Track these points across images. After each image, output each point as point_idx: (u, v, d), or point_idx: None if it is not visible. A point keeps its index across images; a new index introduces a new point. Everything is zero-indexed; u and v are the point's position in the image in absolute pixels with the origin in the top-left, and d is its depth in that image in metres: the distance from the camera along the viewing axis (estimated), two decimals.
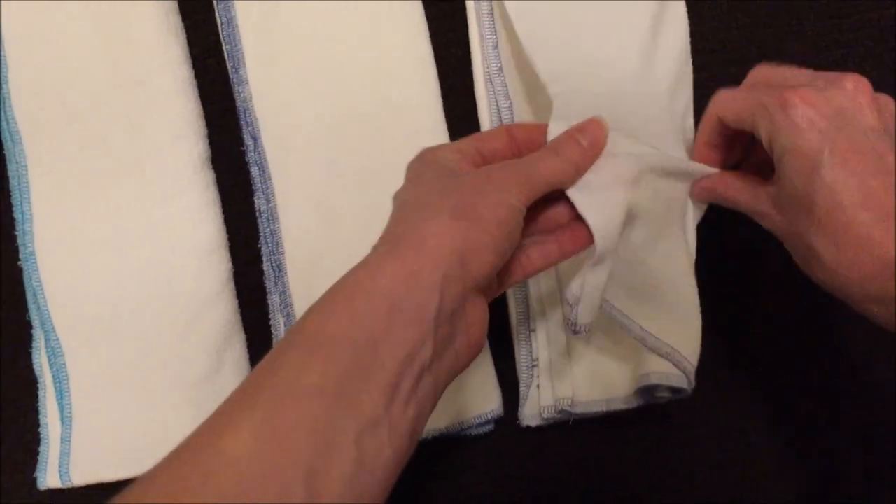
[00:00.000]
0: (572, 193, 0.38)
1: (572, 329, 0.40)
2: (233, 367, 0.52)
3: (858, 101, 0.37)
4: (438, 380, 0.34)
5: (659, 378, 0.46)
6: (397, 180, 0.51)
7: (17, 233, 0.52)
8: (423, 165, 0.40)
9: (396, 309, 0.31)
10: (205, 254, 0.52)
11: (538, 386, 0.50)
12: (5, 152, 0.52)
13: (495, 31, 0.51)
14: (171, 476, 0.28)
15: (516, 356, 0.51)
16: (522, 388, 0.50)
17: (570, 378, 0.49)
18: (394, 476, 0.31)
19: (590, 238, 0.39)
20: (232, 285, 0.53)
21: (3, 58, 0.51)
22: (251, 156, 0.52)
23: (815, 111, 0.37)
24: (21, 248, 0.51)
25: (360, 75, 0.53)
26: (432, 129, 0.53)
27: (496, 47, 0.51)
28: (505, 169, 0.37)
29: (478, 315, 0.36)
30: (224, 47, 0.53)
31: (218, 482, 0.27)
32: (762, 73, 0.43)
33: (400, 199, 0.39)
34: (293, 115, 0.52)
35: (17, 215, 0.52)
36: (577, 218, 0.39)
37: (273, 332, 0.52)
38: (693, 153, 0.45)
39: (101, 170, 0.51)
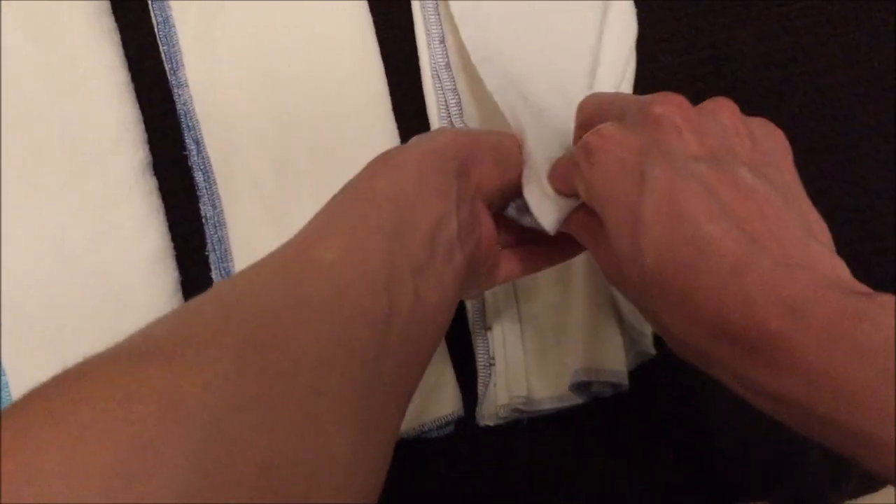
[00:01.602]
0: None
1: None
2: None
3: (674, 125, 0.30)
4: (467, 259, 0.35)
5: (589, 375, 0.46)
6: (346, 179, 0.51)
7: None
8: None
9: (425, 179, 0.34)
10: (151, 263, 0.50)
11: (495, 385, 0.49)
12: None
13: (441, 24, 0.50)
14: (268, 276, 0.29)
15: (476, 356, 0.50)
16: (480, 388, 0.50)
17: (525, 376, 0.49)
18: (441, 329, 0.34)
19: (576, 252, 0.42)
20: (180, 295, 0.51)
21: None
22: (194, 160, 0.51)
23: (620, 150, 0.30)
24: None
25: (305, 74, 0.51)
26: (381, 126, 0.51)
27: (442, 41, 0.50)
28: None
29: (487, 222, 0.38)
30: (161, 49, 0.51)
31: (314, 283, 0.28)
32: (584, 108, 0.37)
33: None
34: (236, 117, 0.51)
35: None
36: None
37: None
38: None
39: (40, 180, 0.50)
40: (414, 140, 0.38)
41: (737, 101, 0.32)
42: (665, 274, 0.28)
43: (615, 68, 0.47)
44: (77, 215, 0.50)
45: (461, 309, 0.51)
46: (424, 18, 0.50)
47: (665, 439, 0.52)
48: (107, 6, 0.51)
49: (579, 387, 0.47)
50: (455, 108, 0.49)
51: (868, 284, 0.27)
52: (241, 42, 0.51)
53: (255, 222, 0.51)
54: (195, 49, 0.51)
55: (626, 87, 0.50)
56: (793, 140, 0.32)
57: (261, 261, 0.30)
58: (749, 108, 0.33)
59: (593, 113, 0.36)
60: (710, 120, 0.31)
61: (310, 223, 0.32)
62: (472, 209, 0.37)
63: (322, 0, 0.51)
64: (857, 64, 0.54)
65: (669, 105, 0.30)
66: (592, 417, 0.51)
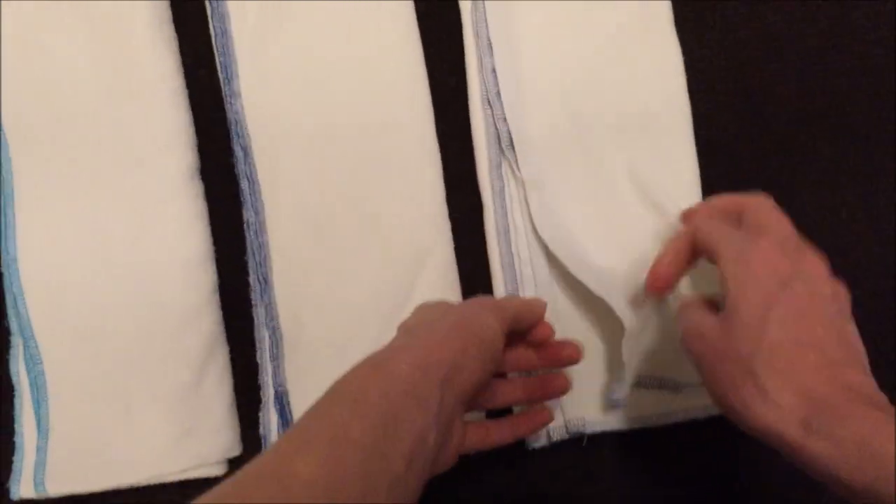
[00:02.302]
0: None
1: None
2: (215, 379, 0.51)
3: (818, 270, 0.40)
4: (435, 465, 0.39)
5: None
6: (386, 197, 0.52)
7: None
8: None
9: (411, 394, 0.36)
10: (191, 265, 0.51)
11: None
12: None
13: (492, 55, 0.52)
14: (245, 494, 0.31)
15: None
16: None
17: (580, 398, 0.50)
18: None
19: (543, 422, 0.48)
20: (217, 297, 0.52)
21: None
22: (241, 168, 0.52)
23: (779, 263, 0.39)
24: (3, 254, 0.51)
25: (353, 92, 0.53)
26: (423, 148, 0.53)
27: (494, 71, 0.52)
28: (482, 299, 0.45)
29: (460, 429, 0.41)
30: (217, 59, 0.52)
31: (288, 491, 0.30)
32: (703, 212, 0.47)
33: (407, 324, 0.43)
34: (284, 129, 0.52)
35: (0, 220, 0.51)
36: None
37: (258, 344, 0.52)
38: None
39: (89, 178, 0.51)
40: (404, 336, 0.41)
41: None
42: (781, 349, 0.36)
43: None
44: (123, 214, 0.51)
45: None
46: (478, 48, 0.52)
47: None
48: (168, 15, 0.53)
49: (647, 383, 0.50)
50: (506, 138, 0.51)
51: None
52: (295, 58, 0.53)
53: (294, 231, 0.52)
54: (250, 62, 0.52)
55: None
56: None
57: (241, 473, 0.32)
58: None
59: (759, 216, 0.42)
60: (839, 288, 0.40)
61: (293, 428, 0.34)
62: (451, 418, 0.39)
63: (374, 23, 0.53)
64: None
65: (821, 262, 0.40)
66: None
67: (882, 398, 0.36)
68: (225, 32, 0.52)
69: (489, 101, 0.52)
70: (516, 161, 0.51)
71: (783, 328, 0.37)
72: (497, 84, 0.52)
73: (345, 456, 0.32)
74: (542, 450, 0.51)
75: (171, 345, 0.50)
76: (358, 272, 0.51)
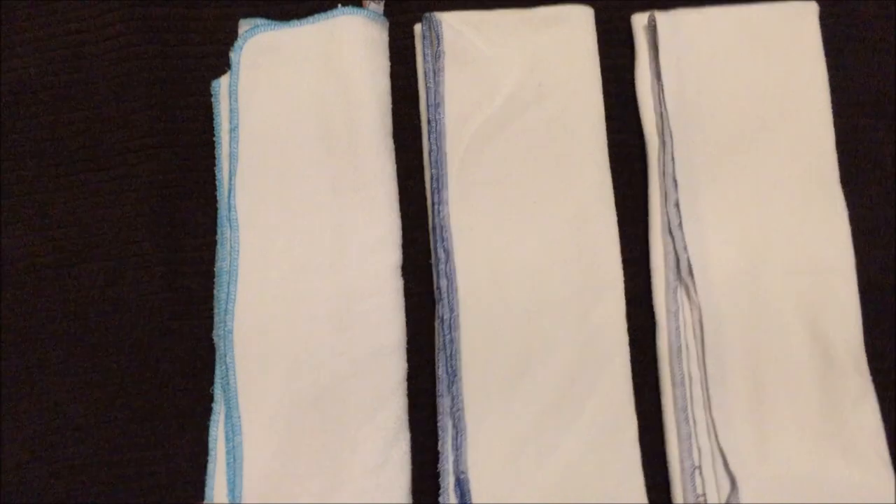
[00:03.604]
0: None
1: None
2: (396, 464, 0.54)
3: None
4: None
5: None
6: (574, 304, 0.57)
7: (219, 302, 0.56)
8: None
9: None
10: (387, 352, 0.56)
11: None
12: (218, 244, 0.57)
13: (677, 190, 0.58)
14: None
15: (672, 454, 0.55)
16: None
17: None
18: None
19: None
20: (405, 385, 0.56)
21: (237, 160, 0.58)
22: (442, 268, 0.57)
23: None
24: (220, 325, 0.55)
25: (551, 215, 0.59)
26: (611, 274, 0.58)
27: (677, 205, 0.58)
28: None
29: None
30: (430, 171, 0.59)
31: None
32: None
33: None
34: (489, 235, 0.58)
35: (220, 292, 0.56)
36: None
37: (440, 433, 0.55)
38: None
39: (304, 263, 0.57)
40: None
41: None
42: None
43: None
44: (334, 301, 0.56)
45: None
46: (662, 183, 0.59)
47: None
48: (391, 127, 0.60)
49: None
50: (685, 265, 0.57)
51: None
52: (500, 178, 0.60)
53: (480, 329, 0.57)
54: (457, 176, 0.59)
55: None
56: None
57: None
58: None
59: None
60: None
61: None
62: None
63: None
64: None
65: None
66: None
67: None
68: (440, 149, 0.59)
69: (671, 232, 0.58)
70: (695, 287, 0.56)
71: None
72: (679, 216, 0.57)
73: None
74: None
75: (363, 429, 0.54)
76: (547, 373, 0.55)
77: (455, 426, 0.55)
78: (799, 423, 0.54)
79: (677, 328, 0.57)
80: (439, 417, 0.55)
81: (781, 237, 0.58)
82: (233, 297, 0.56)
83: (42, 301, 0.58)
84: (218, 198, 0.58)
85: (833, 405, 0.55)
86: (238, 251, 0.56)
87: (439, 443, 0.55)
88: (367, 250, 0.57)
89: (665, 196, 0.59)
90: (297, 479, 0.53)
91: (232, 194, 0.57)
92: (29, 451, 0.55)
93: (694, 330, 0.57)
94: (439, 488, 0.54)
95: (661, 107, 0.60)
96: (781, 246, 0.58)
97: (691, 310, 0.57)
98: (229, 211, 0.57)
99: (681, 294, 0.58)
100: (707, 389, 0.56)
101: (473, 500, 0.53)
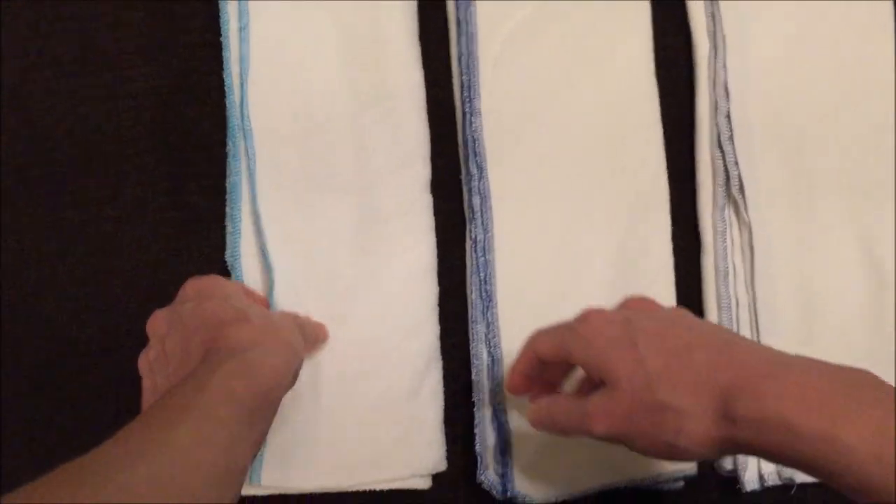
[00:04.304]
0: None
1: None
2: (430, 392, 0.51)
3: (648, 305, 0.42)
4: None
5: None
6: (614, 222, 0.53)
7: (233, 221, 0.51)
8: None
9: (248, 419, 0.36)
10: (419, 276, 0.52)
11: None
12: (229, 156, 0.51)
13: (729, 100, 0.54)
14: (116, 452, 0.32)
15: None
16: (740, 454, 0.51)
17: None
18: None
19: None
20: (437, 310, 0.52)
21: (248, 63, 0.51)
22: (475, 185, 0.53)
23: (609, 315, 0.40)
24: (232, 247, 0.50)
25: (587, 113, 0.54)
26: (653, 184, 0.54)
27: (728, 116, 0.53)
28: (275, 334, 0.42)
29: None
30: (461, 78, 0.54)
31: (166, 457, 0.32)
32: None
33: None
34: (521, 150, 0.53)
35: (234, 210, 0.51)
36: None
37: (474, 360, 0.51)
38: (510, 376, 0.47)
39: (326, 184, 0.52)
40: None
41: None
42: (668, 368, 0.37)
43: None
44: (356, 224, 0.51)
45: None
46: (713, 92, 0.54)
47: None
48: (416, 31, 0.55)
49: None
50: (736, 182, 0.53)
51: None
52: (535, 81, 0.54)
53: (521, 250, 0.53)
54: (494, 83, 0.54)
55: None
56: None
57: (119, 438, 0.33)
58: None
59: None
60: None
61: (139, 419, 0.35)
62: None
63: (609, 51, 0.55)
64: None
65: (643, 300, 0.43)
66: None
67: (775, 355, 0.37)
68: (471, 54, 0.53)
69: (720, 145, 0.53)
70: (746, 206, 0.53)
71: (657, 350, 0.37)
72: (731, 129, 0.53)
73: (211, 428, 0.34)
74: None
75: (397, 353, 0.50)
76: (586, 294, 0.52)
77: (490, 354, 0.51)
78: (850, 351, 0.52)
79: (724, 249, 0.53)
80: (472, 345, 0.52)
81: (835, 154, 0.55)
82: (263, 229, 0.50)
83: (36, 220, 0.52)
84: (227, 105, 0.52)
85: (885, 330, 0.53)
86: (256, 163, 0.51)
87: (473, 372, 0.52)
88: (394, 166, 0.52)
89: (715, 106, 0.54)
90: (337, 401, 0.50)
91: (244, 102, 0.51)
92: (28, 379, 0.51)
93: (742, 251, 0.54)
94: (473, 420, 0.51)
95: (712, 6, 0.55)
96: (835, 164, 0.55)
97: (740, 230, 0.54)
98: (242, 120, 0.51)
99: (729, 213, 0.54)
100: (755, 314, 0.53)
101: (513, 434, 0.50)
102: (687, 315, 0.40)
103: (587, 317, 0.40)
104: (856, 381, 0.34)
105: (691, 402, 0.36)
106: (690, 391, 0.36)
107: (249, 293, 0.48)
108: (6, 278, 0.52)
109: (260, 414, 0.37)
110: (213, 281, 0.45)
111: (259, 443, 0.38)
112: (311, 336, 0.48)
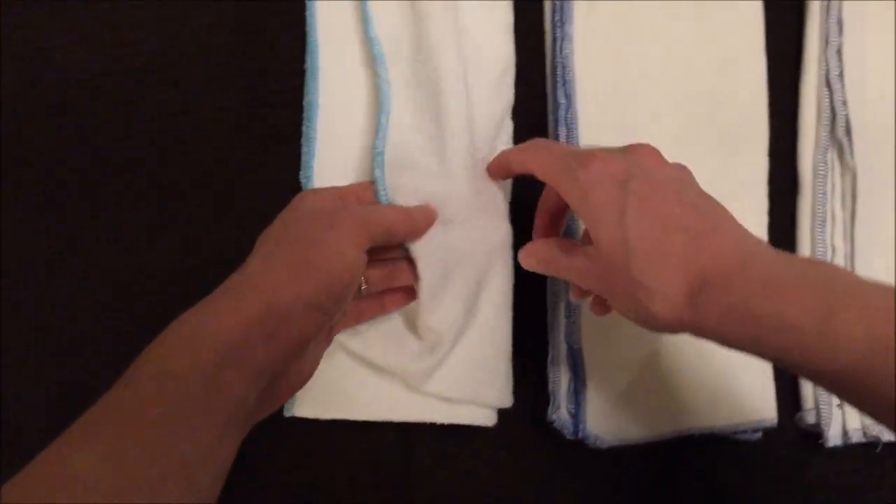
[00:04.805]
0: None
1: None
2: (504, 326, 0.49)
3: (654, 159, 0.40)
4: (253, 420, 0.38)
5: None
6: (709, 158, 0.50)
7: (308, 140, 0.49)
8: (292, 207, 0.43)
9: (228, 359, 0.34)
10: (498, 212, 0.49)
11: (839, 406, 0.48)
12: (307, 74, 0.49)
13: (840, 35, 0.50)
14: (19, 489, 0.29)
15: None
16: (824, 407, 0.49)
17: None
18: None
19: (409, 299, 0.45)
20: (512, 246, 0.50)
21: None
22: (561, 115, 0.50)
23: (611, 167, 0.38)
24: (307, 168, 0.49)
25: (685, 46, 0.52)
26: (755, 127, 0.51)
27: (839, 51, 0.50)
28: (348, 212, 0.41)
29: (303, 365, 0.40)
30: (554, 2, 0.50)
31: (64, 496, 0.29)
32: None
33: (260, 239, 0.41)
34: (610, 81, 0.51)
35: (309, 130, 0.49)
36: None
37: (549, 299, 0.50)
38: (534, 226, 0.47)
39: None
40: (249, 264, 0.39)
41: None
42: (647, 245, 0.36)
43: None
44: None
45: None
46: (824, 24, 0.50)
47: None
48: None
49: None
50: (842, 123, 0.49)
51: None
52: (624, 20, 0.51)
53: None
54: (586, 13, 0.50)
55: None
56: None
57: (22, 473, 0.30)
58: None
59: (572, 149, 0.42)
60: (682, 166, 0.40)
61: (79, 421, 0.32)
62: (282, 367, 0.37)
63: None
64: None
65: (651, 148, 0.40)
66: None
67: (750, 244, 0.36)
68: None
69: (828, 82, 0.50)
70: (851, 149, 0.49)
71: (641, 225, 0.36)
72: (841, 65, 0.50)
73: (133, 442, 0.31)
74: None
75: (478, 282, 0.48)
76: None
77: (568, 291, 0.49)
78: None
79: (823, 194, 0.50)
80: (549, 285, 0.50)
81: None
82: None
83: (105, 129, 0.51)
84: (307, 18, 0.49)
85: None
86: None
87: (548, 312, 0.50)
88: (480, 87, 0.49)
89: (826, 40, 0.50)
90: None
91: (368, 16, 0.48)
92: (95, 299, 0.50)
93: (843, 198, 0.50)
94: (546, 357, 0.49)
95: None
96: None
97: (842, 174, 0.50)
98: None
99: (832, 155, 0.51)
100: (853, 266, 0.50)
101: (588, 374, 0.49)
102: (685, 183, 0.39)
103: (590, 162, 0.39)
104: (817, 271, 0.34)
105: (662, 284, 0.35)
106: (664, 273, 0.36)
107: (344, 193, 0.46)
108: (68, 182, 0.50)
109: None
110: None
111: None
112: (420, 218, 0.44)
